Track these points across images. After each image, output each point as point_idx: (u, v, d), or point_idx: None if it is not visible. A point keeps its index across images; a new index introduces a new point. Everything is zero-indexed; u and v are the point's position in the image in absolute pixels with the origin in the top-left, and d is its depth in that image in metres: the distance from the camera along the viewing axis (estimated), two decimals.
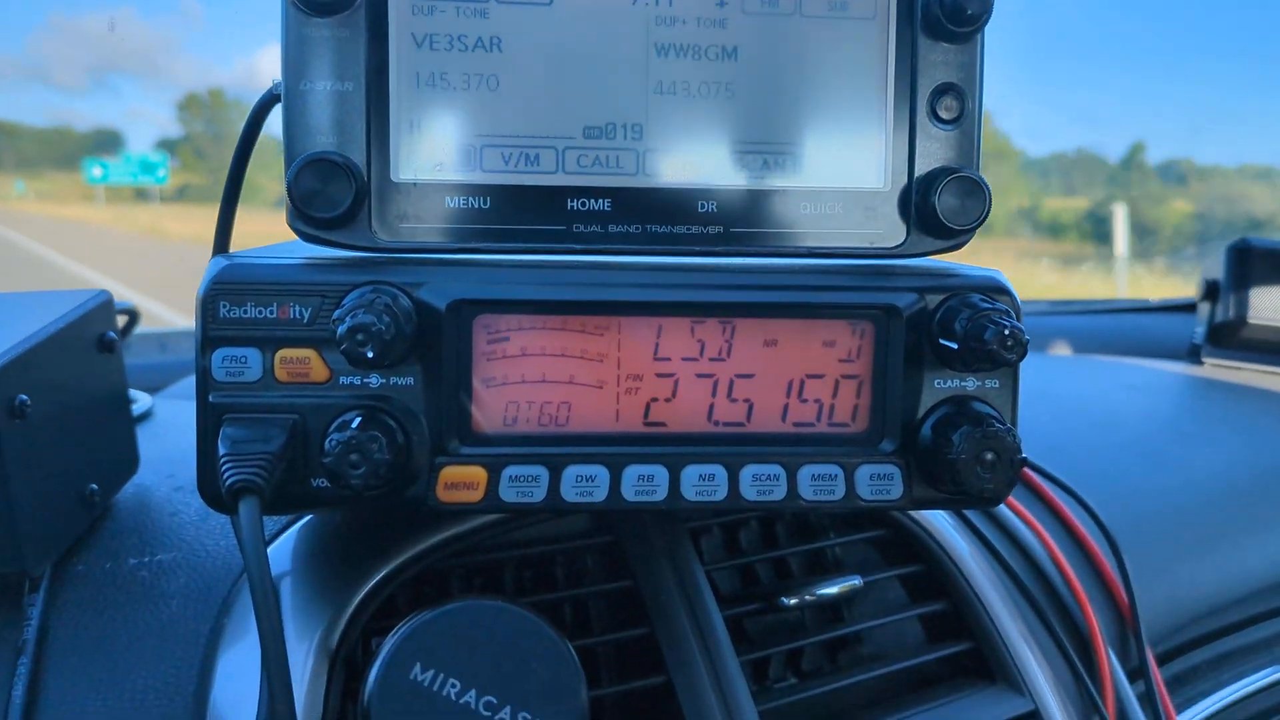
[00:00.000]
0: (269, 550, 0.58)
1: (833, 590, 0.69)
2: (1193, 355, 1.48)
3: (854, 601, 0.73)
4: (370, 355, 0.46)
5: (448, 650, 0.41)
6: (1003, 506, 0.86)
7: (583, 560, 0.67)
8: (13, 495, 0.52)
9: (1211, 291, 1.45)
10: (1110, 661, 0.79)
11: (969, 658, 0.73)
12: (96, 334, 0.63)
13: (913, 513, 0.75)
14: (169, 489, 0.68)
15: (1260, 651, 0.94)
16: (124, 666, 0.53)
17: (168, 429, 0.80)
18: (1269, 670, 0.90)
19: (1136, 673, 0.82)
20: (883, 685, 0.71)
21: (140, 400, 0.84)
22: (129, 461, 0.67)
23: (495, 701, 0.41)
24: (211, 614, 0.56)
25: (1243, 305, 1.40)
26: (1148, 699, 0.80)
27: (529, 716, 0.41)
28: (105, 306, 0.64)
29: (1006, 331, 0.48)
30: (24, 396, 0.54)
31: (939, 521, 0.75)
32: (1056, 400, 1.21)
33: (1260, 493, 1.04)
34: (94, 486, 0.61)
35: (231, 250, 0.58)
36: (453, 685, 0.41)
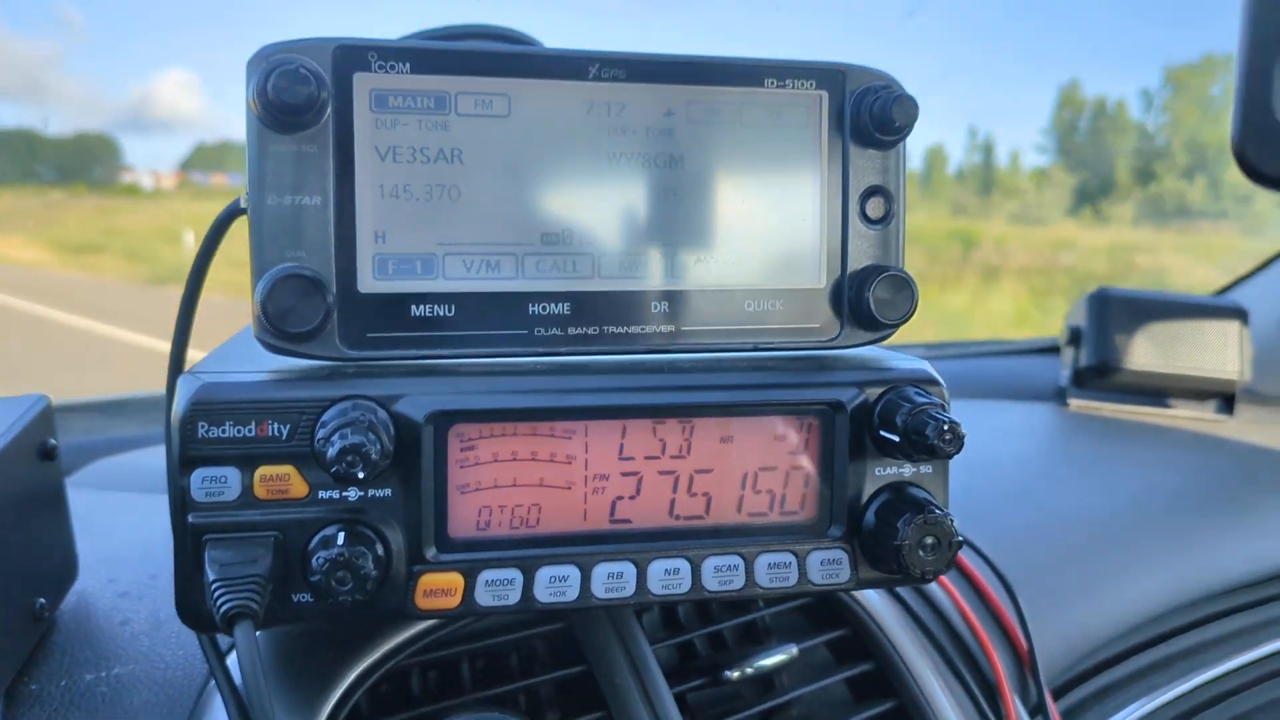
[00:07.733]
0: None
1: (771, 661, 0.72)
2: (1059, 397, 1.59)
3: (785, 667, 0.77)
4: (361, 475, 0.47)
5: None
6: None
7: (532, 647, 0.69)
8: None
9: (1075, 337, 1.56)
10: (1015, 705, 0.85)
11: (893, 715, 0.77)
12: (38, 443, 0.62)
13: None
14: (113, 595, 0.67)
15: (1140, 679, 1.02)
16: None
17: (91, 523, 0.79)
18: (1154, 694, 0.98)
19: (1035, 709, 0.88)
20: None
21: None
22: (70, 569, 0.66)
23: None
24: None
25: (1103, 350, 1.51)
26: None
27: None
28: (45, 413, 0.63)
29: (945, 427, 0.53)
30: None
31: None
32: None
33: (1131, 532, 1.13)
34: (42, 601, 0.60)
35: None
36: None
